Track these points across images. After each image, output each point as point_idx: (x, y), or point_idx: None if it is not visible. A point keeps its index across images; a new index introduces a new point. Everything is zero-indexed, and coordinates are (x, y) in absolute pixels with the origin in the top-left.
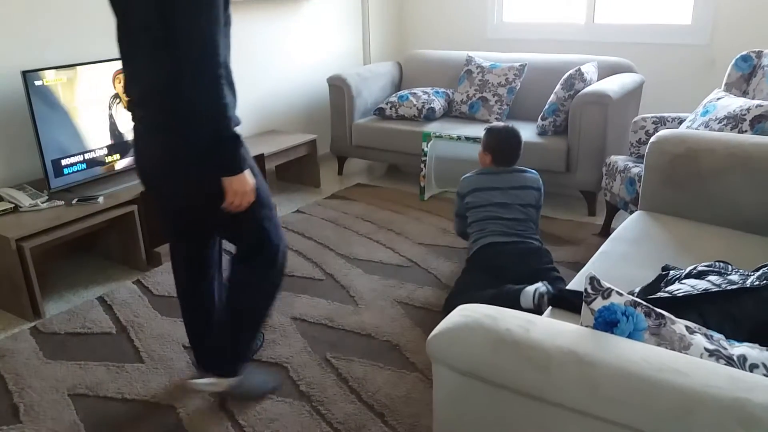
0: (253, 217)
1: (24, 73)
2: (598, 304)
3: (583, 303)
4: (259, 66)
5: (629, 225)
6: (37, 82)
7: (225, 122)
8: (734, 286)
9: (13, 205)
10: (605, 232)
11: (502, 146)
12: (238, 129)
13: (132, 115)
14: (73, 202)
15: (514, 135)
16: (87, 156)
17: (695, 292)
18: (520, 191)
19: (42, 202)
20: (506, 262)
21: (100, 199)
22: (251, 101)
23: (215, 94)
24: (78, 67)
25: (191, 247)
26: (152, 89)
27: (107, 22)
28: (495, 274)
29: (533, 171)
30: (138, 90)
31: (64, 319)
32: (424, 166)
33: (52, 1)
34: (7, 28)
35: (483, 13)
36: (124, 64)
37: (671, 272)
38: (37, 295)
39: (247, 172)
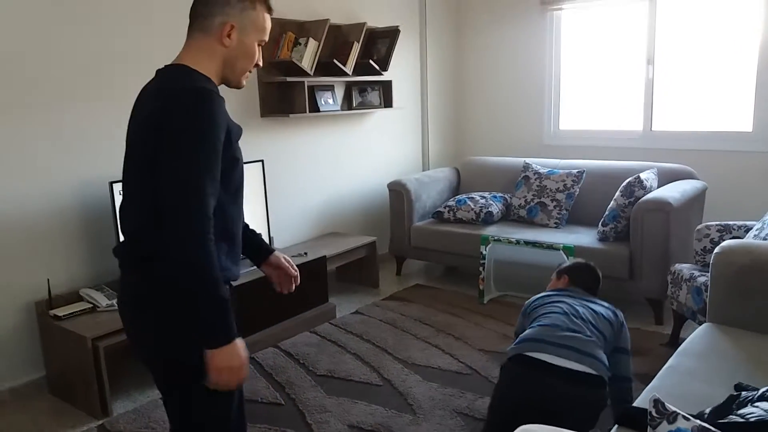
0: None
1: (111, 183)
2: (664, 429)
3: (648, 427)
4: (324, 172)
5: (697, 338)
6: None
7: (207, 282)
8: None
9: (91, 305)
10: (674, 342)
11: (581, 265)
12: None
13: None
14: None
15: (595, 267)
16: None
17: None
18: (595, 313)
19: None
20: (525, 402)
21: None
22: (315, 205)
23: (196, 250)
24: None
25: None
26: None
27: None
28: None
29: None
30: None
31: (130, 419)
32: (483, 269)
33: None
34: (97, 144)
35: (540, 121)
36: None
37: (743, 393)
38: (107, 393)
39: (238, 342)
